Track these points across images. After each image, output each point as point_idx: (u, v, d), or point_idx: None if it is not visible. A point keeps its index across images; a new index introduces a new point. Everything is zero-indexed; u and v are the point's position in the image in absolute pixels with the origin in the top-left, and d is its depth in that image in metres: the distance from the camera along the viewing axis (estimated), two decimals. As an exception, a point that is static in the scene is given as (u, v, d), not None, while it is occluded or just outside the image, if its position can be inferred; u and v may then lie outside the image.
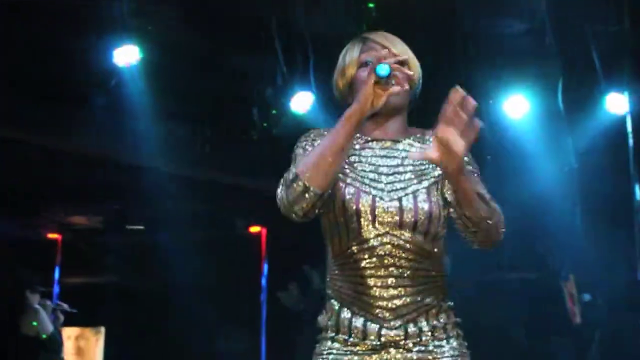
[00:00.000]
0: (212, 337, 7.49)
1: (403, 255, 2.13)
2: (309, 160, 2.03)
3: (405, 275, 2.13)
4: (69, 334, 8.30)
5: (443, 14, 5.93)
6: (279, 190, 2.09)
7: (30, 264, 7.31)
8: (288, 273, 7.43)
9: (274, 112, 6.51)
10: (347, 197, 2.14)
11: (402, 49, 2.21)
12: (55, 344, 6.68)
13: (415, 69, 2.23)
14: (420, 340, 2.14)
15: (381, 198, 2.15)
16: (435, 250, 2.18)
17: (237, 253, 7.64)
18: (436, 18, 5.96)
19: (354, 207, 2.13)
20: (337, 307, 2.19)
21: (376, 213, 2.13)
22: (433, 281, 2.18)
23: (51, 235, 8.04)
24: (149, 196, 7.03)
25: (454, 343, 2.19)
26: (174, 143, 6.76)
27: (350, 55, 2.22)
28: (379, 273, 2.13)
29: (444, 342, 2.16)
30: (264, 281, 7.64)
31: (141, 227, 7.69)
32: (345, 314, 2.17)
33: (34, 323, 6.37)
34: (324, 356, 2.17)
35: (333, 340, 2.18)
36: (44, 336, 6.62)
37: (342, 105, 2.21)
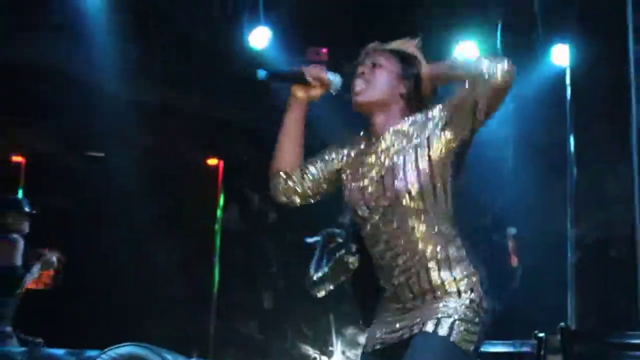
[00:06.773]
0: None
1: (400, 219, 2.33)
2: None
3: (403, 234, 2.33)
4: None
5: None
6: None
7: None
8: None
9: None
10: (346, 191, 2.47)
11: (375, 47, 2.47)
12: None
13: (391, 66, 2.41)
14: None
15: (371, 185, 2.40)
16: (434, 204, 2.34)
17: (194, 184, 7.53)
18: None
19: (349, 197, 2.46)
20: None
21: (368, 197, 2.39)
22: (433, 232, 2.33)
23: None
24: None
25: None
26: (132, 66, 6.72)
27: None
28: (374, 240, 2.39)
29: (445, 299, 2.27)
30: (219, 212, 7.52)
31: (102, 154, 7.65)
32: None
33: None
34: None
35: None
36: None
37: None
